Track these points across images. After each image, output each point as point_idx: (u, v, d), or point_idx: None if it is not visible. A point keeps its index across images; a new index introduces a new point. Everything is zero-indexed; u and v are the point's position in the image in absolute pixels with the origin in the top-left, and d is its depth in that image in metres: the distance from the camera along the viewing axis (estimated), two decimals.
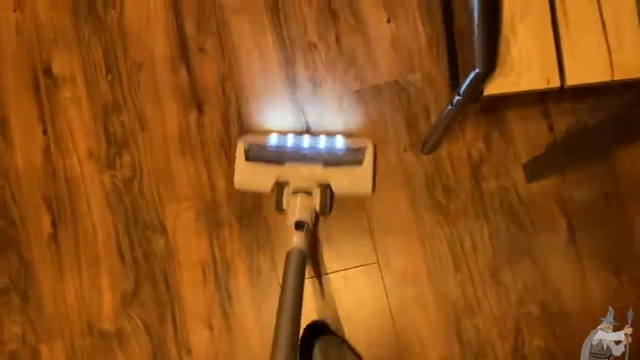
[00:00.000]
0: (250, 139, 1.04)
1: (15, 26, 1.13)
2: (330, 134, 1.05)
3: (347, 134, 1.06)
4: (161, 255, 1.07)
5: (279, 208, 1.00)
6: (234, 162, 1.04)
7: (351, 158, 1.00)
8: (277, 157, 1.00)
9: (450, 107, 0.83)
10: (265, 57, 1.09)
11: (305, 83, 1.09)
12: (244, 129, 1.08)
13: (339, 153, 1.00)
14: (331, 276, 1.04)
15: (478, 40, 0.68)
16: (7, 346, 1.04)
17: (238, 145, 1.03)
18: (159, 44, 1.10)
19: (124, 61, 1.10)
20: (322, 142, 1.02)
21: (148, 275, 1.07)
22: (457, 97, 0.78)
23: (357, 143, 1.01)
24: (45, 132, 1.10)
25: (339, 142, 1.02)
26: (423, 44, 1.07)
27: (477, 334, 1.01)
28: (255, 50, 1.09)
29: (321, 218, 1.03)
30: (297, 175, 0.99)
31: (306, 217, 0.95)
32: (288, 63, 1.09)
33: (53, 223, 1.07)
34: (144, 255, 1.07)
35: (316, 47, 1.08)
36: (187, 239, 1.07)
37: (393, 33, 1.07)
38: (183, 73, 1.09)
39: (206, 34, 1.09)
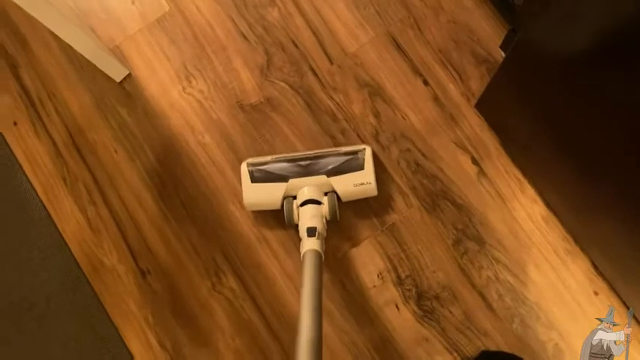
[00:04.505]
0: (253, 161, 1.06)
1: None
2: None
3: (343, 144, 1.09)
4: (279, 23, 1.13)
5: (290, 222, 1.02)
6: None
7: (352, 164, 1.03)
8: (281, 175, 1.03)
9: None
10: None
11: None
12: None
13: (340, 161, 1.03)
14: None
15: None
16: None
17: (242, 168, 1.05)
18: None
19: None
20: (321, 154, 1.05)
21: (274, 43, 1.13)
22: None
23: (354, 149, 1.04)
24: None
25: (338, 151, 1.04)
26: None
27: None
28: None
29: None
30: (303, 188, 1.02)
31: (317, 224, 0.97)
32: None
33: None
34: (264, 28, 1.13)
35: None
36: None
37: None
38: None
39: None
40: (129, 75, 1.14)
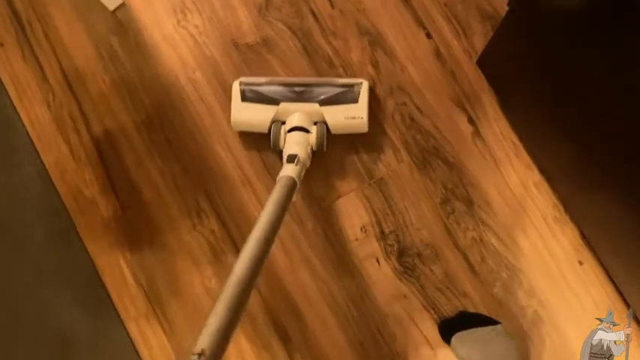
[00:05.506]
0: (246, 80, 1.02)
1: None
2: (325, 76, 1.06)
3: (341, 75, 1.06)
4: None
5: (276, 147, 0.99)
6: None
7: (347, 96, 0.99)
8: (273, 98, 1.00)
9: None
10: None
11: None
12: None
13: (335, 92, 1.00)
14: None
15: None
16: None
17: (234, 86, 1.02)
18: None
19: None
20: (317, 82, 1.02)
21: None
22: None
23: (351, 82, 1.01)
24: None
25: (334, 82, 1.01)
26: None
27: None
28: None
29: None
30: (293, 114, 0.99)
31: (300, 151, 0.94)
32: None
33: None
34: None
35: None
36: None
37: None
38: None
39: None
40: (122, 4, 1.10)
